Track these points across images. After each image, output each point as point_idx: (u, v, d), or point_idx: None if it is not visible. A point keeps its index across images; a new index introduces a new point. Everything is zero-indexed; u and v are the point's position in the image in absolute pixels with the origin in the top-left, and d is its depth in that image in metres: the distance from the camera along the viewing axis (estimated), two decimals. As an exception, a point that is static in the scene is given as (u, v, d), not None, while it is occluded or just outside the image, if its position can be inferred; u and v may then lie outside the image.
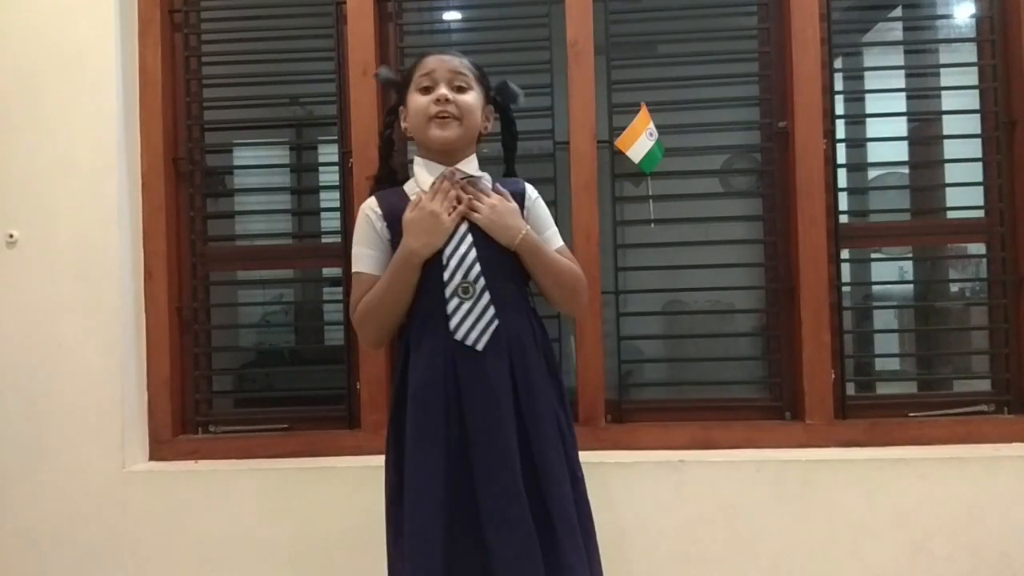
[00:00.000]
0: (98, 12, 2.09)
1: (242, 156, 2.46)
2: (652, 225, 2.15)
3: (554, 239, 1.50)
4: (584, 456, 1.99)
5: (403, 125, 1.50)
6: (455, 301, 1.34)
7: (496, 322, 1.35)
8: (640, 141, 2.05)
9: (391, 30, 2.23)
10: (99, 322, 2.07)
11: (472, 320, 1.34)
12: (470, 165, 1.47)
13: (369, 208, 1.45)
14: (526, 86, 2.08)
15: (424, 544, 1.29)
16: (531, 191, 1.51)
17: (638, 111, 2.09)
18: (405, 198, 1.43)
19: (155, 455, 2.17)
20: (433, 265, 1.37)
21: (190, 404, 2.25)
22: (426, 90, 1.42)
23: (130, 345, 2.12)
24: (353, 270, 1.45)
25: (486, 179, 1.49)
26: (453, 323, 1.33)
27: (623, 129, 2.10)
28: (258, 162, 2.45)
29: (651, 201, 2.11)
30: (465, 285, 1.35)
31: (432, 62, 1.43)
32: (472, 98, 1.44)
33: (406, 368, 1.41)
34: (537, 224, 1.47)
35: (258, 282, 2.52)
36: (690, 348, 2.30)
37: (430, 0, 2.32)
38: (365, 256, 1.43)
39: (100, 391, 2.07)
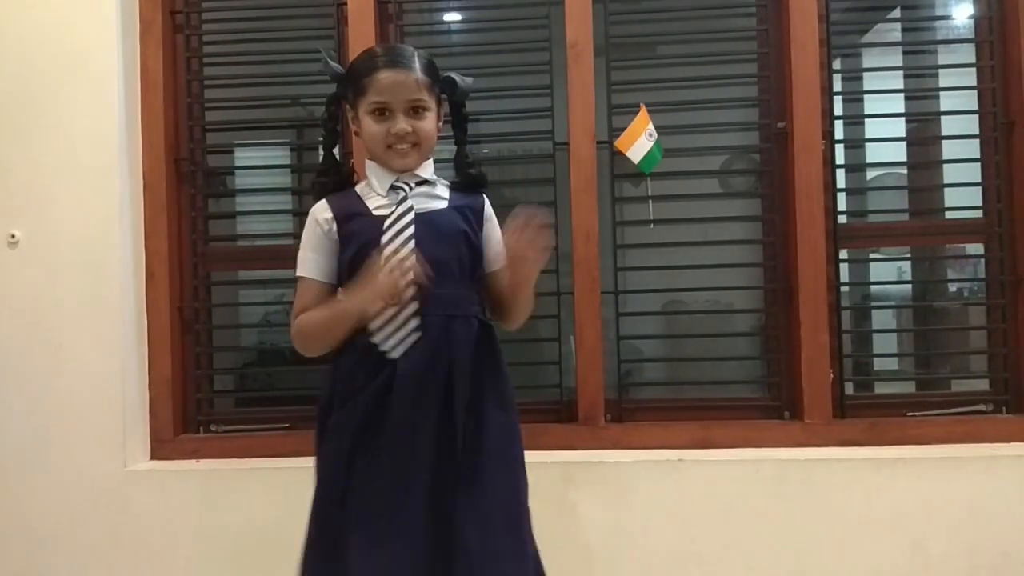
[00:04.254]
0: (99, 14, 2.10)
1: (243, 157, 2.47)
2: (651, 225, 2.15)
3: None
4: (584, 455, 2.02)
5: (353, 129, 1.43)
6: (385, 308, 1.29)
7: (418, 334, 1.30)
8: (639, 142, 2.06)
9: (392, 31, 2.23)
10: (101, 322, 2.08)
11: (391, 329, 1.30)
12: (426, 170, 1.42)
13: (319, 212, 1.39)
14: (526, 87, 2.11)
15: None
16: (488, 205, 1.46)
17: (637, 112, 2.10)
18: (358, 200, 1.38)
19: (156, 454, 2.18)
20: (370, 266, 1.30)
21: (191, 403, 2.25)
22: (380, 113, 1.35)
23: (131, 345, 2.13)
24: (297, 273, 1.40)
25: (441, 184, 1.45)
26: (374, 326, 1.30)
27: (623, 130, 2.11)
28: (259, 163, 2.46)
29: (650, 201, 2.12)
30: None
31: (386, 84, 1.32)
32: (430, 121, 1.37)
33: (338, 369, 1.37)
34: (494, 237, 1.43)
35: (259, 282, 2.53)
36: (689, 348, 2.30)
37: (431, 1, 2.33)
38: (311, 260, 1.37)
39: (102, 391, 2.08)
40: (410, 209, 1.34)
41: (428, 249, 1.31)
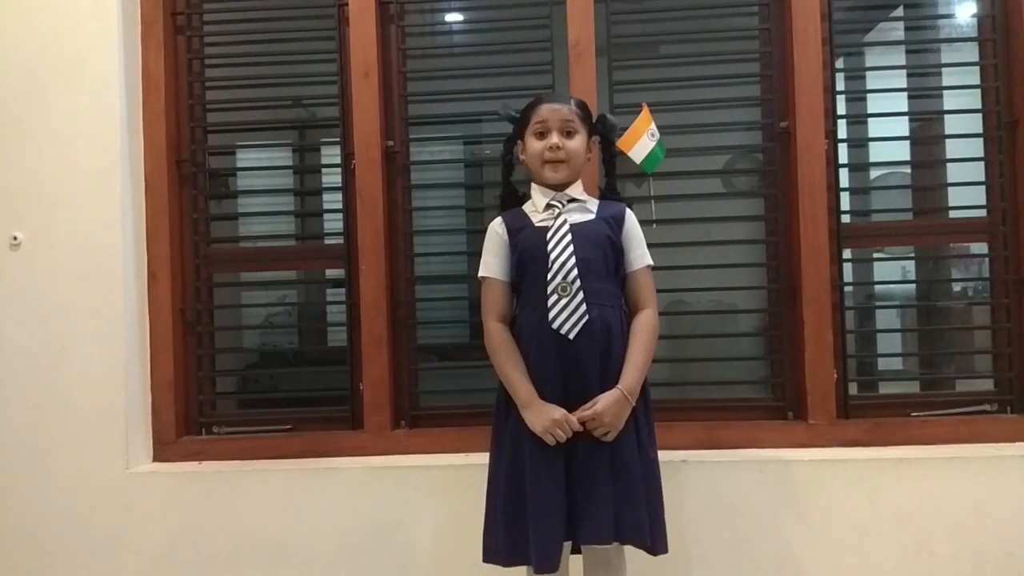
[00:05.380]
0: (101, 15, 2.10)
1: (245, 158, 2.47)
2: (654, 225, 2.14)
3: (642, 259, 1.70)
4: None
5: (521, 157, 1.75)
6: (554, 297, 1.59)
7: (587, 317, 1.58)
8: (642, 142, 2.05)
9: (393, 32, 2.23)
10: (103, 324, 2.08)
11: (567, 314, 1.58)
12: (576, 190, 1.72)
13: (496, 224, 1.74)
14: (528, 87, 2.11)
15: (543, 487, 1.57)
16: (630, 213, 1.73)
17: (640, 112, 2.09)
18: (523, 216, 1.71)
19: (159, 456, 2.18)
20: (540, 266, 1.62)
21: (194, 405, 2.25)
22: (541, 135, 1.68)
23: (134, 347, 2.13)
24: (480, 274, 1.71)
25: (591, 202, 1.72)
26: (551, 315, 1.59)
27: (625, 130, 2.10)
28: (261, 164, 2.46)
29: (653, 201, 2.11)
30: (564, 284, 1.59)
31: (545, 111, 1.68)
32: (578, 142, 1.69)
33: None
34: (629, 243, 1.70)
35: (261, 283, 2.53)
36: (692, 348, 2.30)
37: (432, 1, 2.32)
38: (492, 263, 1.70)
39: (104, 393, 2.08)
40: (565, 223, 1.64)
41: (581, 252, 1.61)
